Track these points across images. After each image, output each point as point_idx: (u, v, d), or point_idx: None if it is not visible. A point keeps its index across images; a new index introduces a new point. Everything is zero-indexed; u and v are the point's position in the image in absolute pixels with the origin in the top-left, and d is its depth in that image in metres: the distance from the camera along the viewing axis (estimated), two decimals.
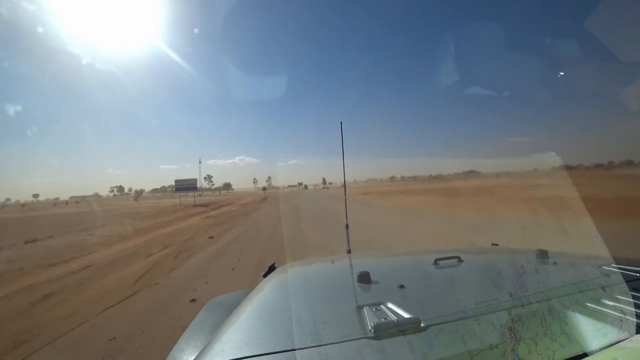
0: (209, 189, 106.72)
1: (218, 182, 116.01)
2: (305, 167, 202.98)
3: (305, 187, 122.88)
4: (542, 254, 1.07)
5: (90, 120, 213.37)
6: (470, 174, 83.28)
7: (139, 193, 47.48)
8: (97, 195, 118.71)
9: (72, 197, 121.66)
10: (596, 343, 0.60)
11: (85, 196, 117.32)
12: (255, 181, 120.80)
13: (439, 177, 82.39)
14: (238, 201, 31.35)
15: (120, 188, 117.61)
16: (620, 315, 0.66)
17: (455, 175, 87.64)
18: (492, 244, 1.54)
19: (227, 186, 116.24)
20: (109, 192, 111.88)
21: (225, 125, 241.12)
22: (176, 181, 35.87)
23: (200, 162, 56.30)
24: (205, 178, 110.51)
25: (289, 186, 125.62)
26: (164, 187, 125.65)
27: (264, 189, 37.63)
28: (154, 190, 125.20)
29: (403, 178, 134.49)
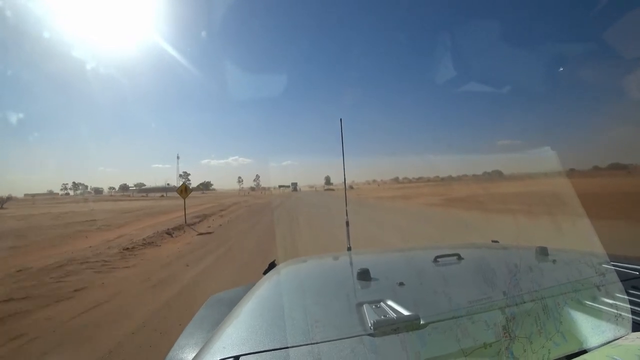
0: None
1: (215, 183, 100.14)
2: (301, 168, 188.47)
3: (295, 188, 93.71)
4: (542, 251, 1.06)
5: (86, 118, 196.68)
6: (493, 175, 70.14)
7: (6, 199, 32.43)
8: (50, 193, 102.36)
9: (26, 195, 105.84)
10: (592, 341, 0.59)
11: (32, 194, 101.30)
12: (240, 180, 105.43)
13: (451, 179, 68.91)
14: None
15: (75, 185, 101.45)
16: (616, 313, 0.65)
17: (475, 177, 74.39)
18: (493, 241, 1.52)
19: (206, 186, 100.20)
20: (61, 189, 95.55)
21: (220, 125, 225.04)
22: None
23: (178, 157, 44.55)
24: (180, 175, 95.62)
25: (280, 186, 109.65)
26: (127, 185, 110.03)
27: (199, 188, 15.95)
28: (122, 188, 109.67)
29: (409, 180, 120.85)
